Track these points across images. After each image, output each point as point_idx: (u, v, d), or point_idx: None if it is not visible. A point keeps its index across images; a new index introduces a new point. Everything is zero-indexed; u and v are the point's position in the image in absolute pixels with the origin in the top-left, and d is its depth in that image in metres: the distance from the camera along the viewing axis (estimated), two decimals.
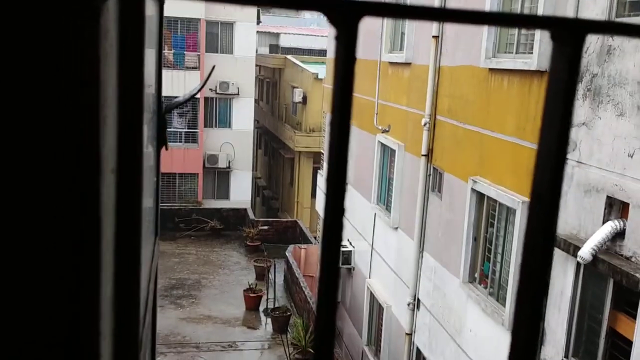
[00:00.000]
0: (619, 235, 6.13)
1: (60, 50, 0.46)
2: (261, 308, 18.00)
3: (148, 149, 1.20)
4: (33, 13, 0.46)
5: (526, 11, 8.08)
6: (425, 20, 0.45)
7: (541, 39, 7.40)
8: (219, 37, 26.87)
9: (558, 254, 6.98)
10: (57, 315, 0.52)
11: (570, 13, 6.85)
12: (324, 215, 0.44)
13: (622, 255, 6.09)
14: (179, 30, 25.99)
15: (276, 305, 17.43)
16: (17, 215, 0.49)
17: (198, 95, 25.76)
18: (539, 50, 7.39)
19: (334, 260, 0.45)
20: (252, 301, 17.99)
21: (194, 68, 25.84)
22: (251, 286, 18.23)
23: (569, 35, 0.43)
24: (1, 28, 0.45)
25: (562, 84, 0.44)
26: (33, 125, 0.48)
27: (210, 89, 26.43)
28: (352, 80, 0.40)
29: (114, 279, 0.69)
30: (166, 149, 1.57)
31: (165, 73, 24.93)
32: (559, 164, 0.46)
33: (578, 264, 6.61)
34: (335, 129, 0.40)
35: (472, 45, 9.13)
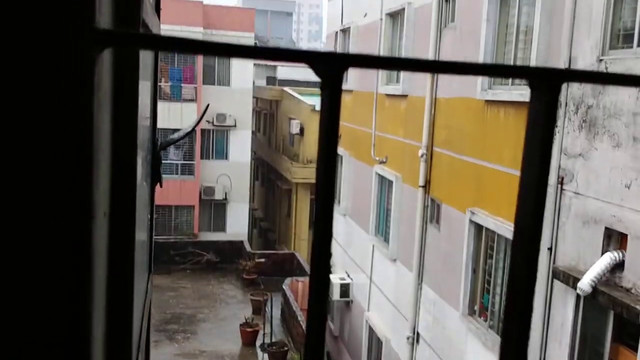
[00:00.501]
0: (618, 266, 6.09)
1: (55, 98, 0.46)
2: (258, 343, 17.75)
3: (142, 187, 1.18)
4: (30, 62, 0.46)
5: (520, 46, 8.18)
6: (406, 71, 0.50)
7: None
8: (215, 70, 27.12)
9: (558, 285, 6.93)
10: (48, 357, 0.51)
11: (564, 47, 6.93)
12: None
13: (621, 286, 6.04)
14: (176, 63, 26.22)
15: (273, 340, 17.19)
16: (7, 260, 0.48)
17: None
18: None
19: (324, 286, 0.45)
20: (249, 336, 17.75)
21: (191, 100, 26.01)
22: (247, 320, 18.01)
23: (545, 84, 0.45)
24: None
25: (539, 132, 0.47)
26: (25, 171, 0.48)
27: (207, 121, 26.54)
28: (337, 126, 0.41)
29: (106, 320, 0.67)
30: (160, 186, 1.55)
31: (162, 105, 25.08)
32: (539, 206, 0.48)
33: (578, 296, 6.55)
34: (321, 171, 0.42)
35: (468, 77, 9.20)
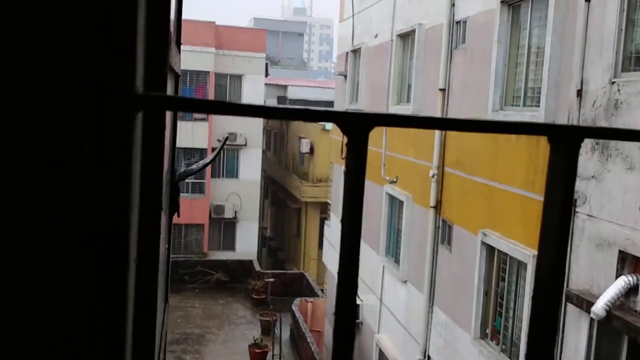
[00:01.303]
0: (633, 290, 6.01)
1: (96, 162, 0.48)
2: None
3: (164, 219, 1.18)
4: (78, 129, 0.50)
5: (532, 67, 8.18)
6: (427, 129, 0.51)
7: (547, 93, 7.46)
8: (227, 89, 27.33)
9: (571, 309, 6.84)
10: None
11: (576, 69, 6.92)
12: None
13: (636, 311, 5.95)
14: (187, 83, 26.46)
15: None
16: (45, 309, 0.49)
17: (206, 146, 26.00)
18: (546, 103, 7.44)
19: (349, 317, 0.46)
20: (258, 357, 17.63)
21: (203, 119, 26.19)
22: (256, 341, 17.90)
23: (565, 141, 0.46)
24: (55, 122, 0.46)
25: (559, 188, 0.47)
26: (74, 226, 0.51)
27: (218, 140, 26.68)
28: (363, 184, 0.43)
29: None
30: (178, 216, 1.55)
31: None
32: (560, 262, 0.48)
33: (592, 320, 6.46)
34: (347, 231, 0.43)
35: (479, 98, 9.22)
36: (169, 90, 1.30)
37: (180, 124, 25.89)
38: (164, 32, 0.79)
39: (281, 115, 0.43)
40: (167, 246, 1.44)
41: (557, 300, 0.49)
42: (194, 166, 2.35)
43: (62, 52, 0.48)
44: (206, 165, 2.42)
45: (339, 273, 0.46)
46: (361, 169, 0.43)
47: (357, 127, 0.42)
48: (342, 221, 0.43)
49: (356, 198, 0.42)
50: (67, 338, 0.50)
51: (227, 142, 26.89)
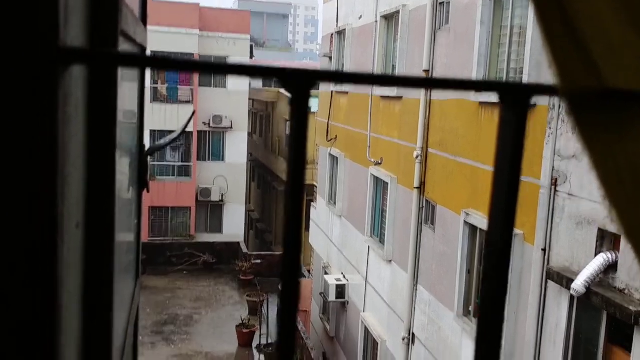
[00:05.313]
0: (612, 267, 6.12)
1: (17, 112, 0.47)
2: (254, 344, 17.76)
3: (129, 192, 1.19)
4: None
5: (514, 48, 8.21)
6: (371, 85, 0.51)
7: (529, 73, 7.51)
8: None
9: (552, 286, 6.95)
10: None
11: None
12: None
13: (615, 287, 6.07)
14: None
15: (270, 341, 17.20)
16: None
17: (191, 129, 25.84)
18: (528, 82, 7.46)
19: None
20: (245, 337, 17.75)
21: (187, 102, 26.00)
22: (244, 321, 18.01)
23: (515, 98, 0.47)
24: None
25: (509, 145, 0.48)
26: None
27: (203, 123, 26.55)
28: (306, 137, 0.44)
29: (83, 331, 0.68)
30: (147, 191, 1.57)
31: (159, 107, 25.06)
32: (509, 216, 0.50)
33: (572, 297, 6.58)
34: (290, 181, 0.44)
35: (463, 78, 9.23)
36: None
37: (166, 107, 25.76)
38: None
39: (222, 71, 0.44)
40: (136, 221, 1.45)
41: (505, 269, 0.51)
42: (162, 141, 2.36)
43: None
44: (173, 140, 2.42)
45: (283, 231, 0.48)
46: (303, 124, 0.45)
47: (299, 83, 0.43)
48: (287, 173, 0.45)
49: (298, 156, 0.44)
50: None
51: (213, 125, 26.75)
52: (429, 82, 0.55)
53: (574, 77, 0.49)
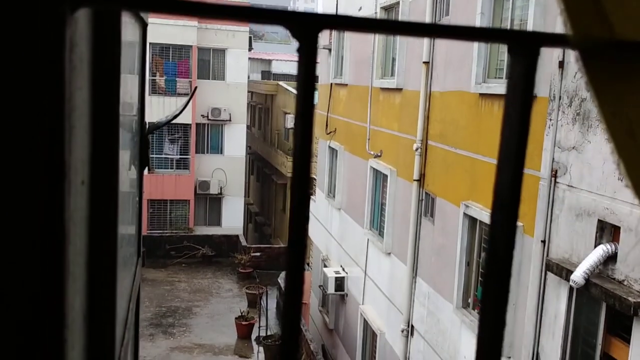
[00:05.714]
0: (611, 258, 6.12)
1: (22, 59, 0.46)
2: (253, 336, 17.78)
3: (130, 170, 1.17)
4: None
5: (517, 20, 8.17)
6: (379, 33, 0.50)
7: None
8: (210, 64, 27.04)
9: (551, 277, 6.96)
10: (20, 323, 0.50)
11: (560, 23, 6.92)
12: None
13: (614, 279, 6.07)
14: (170, 57, 26.14)
15: (269, 334, 17.24)
16: None
17: (190, 122, 25.80)
18: None
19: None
20: (244, 329, 17.78)
21: (186, 94, 25.93)
22: (243, 314, 18.04)
23: (524, 48, 0.45)
24: None
25: (519, 96, 0.46)
26: None
27: (202, 115, 26.50)
28: (313, 86, 0.43)
29: (87, 289, 0.67)
30: (149, 170, 1.56)
31: (157, 99, 25.01)
32: (517, 174, 0.48)
33: (571, 288, 6.58)
34: (299, 132, 0.42)
35: (462, 71, 9.22)
36: (133, 36, 1.29)
37: (164, 99, 25.69)
38: None
39: (225, 15, 0.42)
40: (138, 198, 1.44)
41: (514, 221, 0.49)
42: (163, 118, 2.35)
43: None
44: (175, 116, 2.41)
45: (291, 203, 0.46)
46: (311, 73, 0.42)
47: (307, 28, 0.42)
48: (295, 125, 0.43)
49: (307, 101, 0.42)
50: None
51: (212, 118, 26.70)
52: (435, 29, 0.52)
53: (586, 26, 0.48)
